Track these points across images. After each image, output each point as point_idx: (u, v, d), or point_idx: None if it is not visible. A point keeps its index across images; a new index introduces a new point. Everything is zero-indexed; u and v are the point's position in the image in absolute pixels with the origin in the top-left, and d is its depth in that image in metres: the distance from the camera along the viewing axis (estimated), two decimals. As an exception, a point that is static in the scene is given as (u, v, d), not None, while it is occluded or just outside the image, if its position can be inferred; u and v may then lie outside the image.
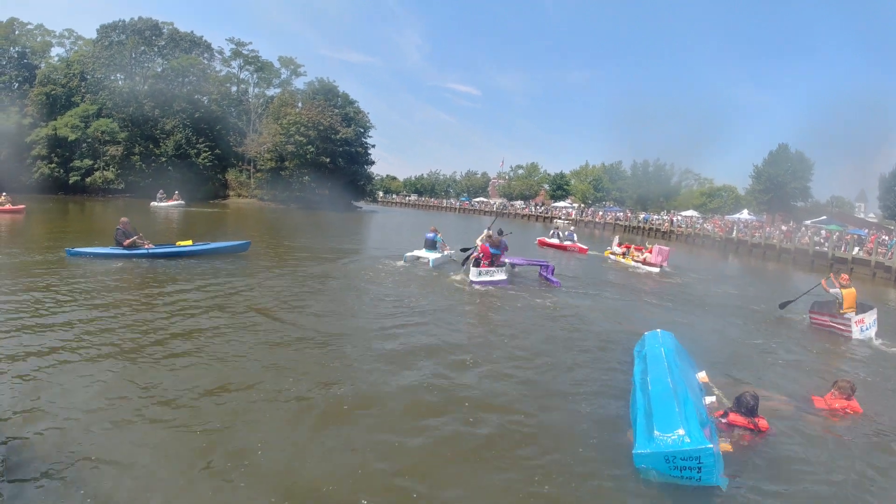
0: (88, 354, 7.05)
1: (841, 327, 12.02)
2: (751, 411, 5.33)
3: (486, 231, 15.50)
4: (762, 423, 5.41)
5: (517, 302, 12.90)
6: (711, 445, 4.49)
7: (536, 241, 28.99)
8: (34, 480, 4.29)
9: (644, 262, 21.60)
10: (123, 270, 12.93)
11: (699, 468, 4.50)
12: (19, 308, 9.05)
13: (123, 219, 14.90)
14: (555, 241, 27.92)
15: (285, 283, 12.56)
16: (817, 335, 12.13)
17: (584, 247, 27.00)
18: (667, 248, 22.22)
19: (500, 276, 14.54)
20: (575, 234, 29.35)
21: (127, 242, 14.26)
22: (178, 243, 15.18)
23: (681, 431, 4.66)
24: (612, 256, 24.13)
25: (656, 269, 20.77)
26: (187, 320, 9.01)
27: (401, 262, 16.93)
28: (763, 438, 5.41)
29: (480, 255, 14.61)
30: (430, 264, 16.66)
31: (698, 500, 4.57)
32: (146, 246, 14.55)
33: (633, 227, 59.78)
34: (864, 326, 11.82)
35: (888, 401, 7.70)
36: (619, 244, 25.43)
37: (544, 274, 16.02)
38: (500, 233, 16.18)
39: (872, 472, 5.33)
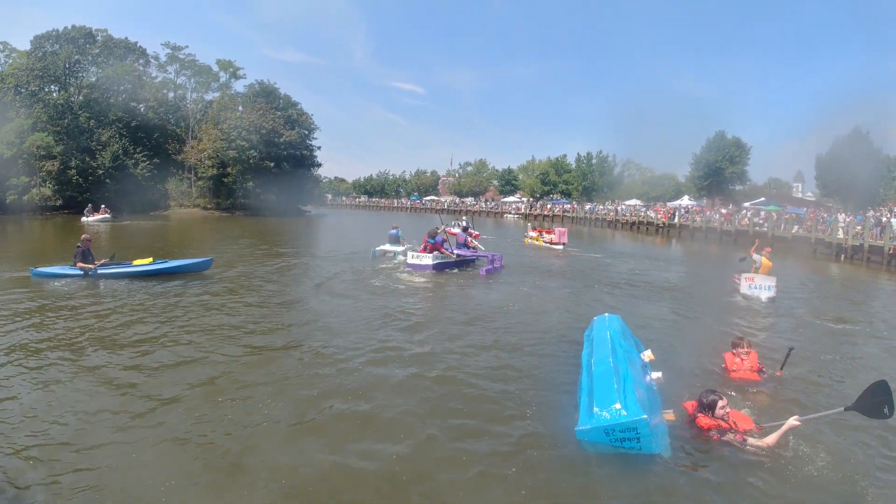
0: (68, 371, 6.96)
1: (736, 282, 14.02)
2: (701, 408, 5.36)
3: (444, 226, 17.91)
4: (699, 420, 5.32)
5: (475, 293, 13.60)
6: (646, 416, 4.68)
7: (447, 231, 32.26)
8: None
9: (551, 243, 26.60)
10: (86, 290, 12.40)
11: (637, 438, 4.69)
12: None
13: (84, 236, 14.36)
14: (456, 230, 31.66)
15: (254, 298, 12.18)
16: (731, 300, 13.65)
17: (477, 233, 31.02)
18: (564, 229, 28.11)
19: (426, 261, 16.31)
20: (471, 223, 34.35)
21: (80, 265, 13.59)
22: (134, 262, 14.30)
23: (617, 406, 4.86)
24: (530, 241, 28.81)
25: (560, 247, 25.86)
26: (155, 337, 8.78)
27: (358, 264, 17.76)
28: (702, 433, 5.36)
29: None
30: (396, 256, 19.01)
31: (642, 467, 4.72)
32: (102, 262, 13.98)
33: (580, 219, 61.08)
34: (752, 285, 13.59)
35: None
36: (533, 229, 30.92)
37: (488, 265, 17.14)
38: (466, 228, 19.77)
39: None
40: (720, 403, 5.27)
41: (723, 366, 7.29)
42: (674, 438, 5.17)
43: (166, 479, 4.46)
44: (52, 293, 12.01)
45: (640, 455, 4.77)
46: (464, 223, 33.13)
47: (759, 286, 13.55)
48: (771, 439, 5.04)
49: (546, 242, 27.06)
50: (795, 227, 32.58)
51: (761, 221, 36.67)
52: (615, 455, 4.80)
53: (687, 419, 5.52)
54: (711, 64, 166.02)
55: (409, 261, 16.67)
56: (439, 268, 16.39)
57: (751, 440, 5.06)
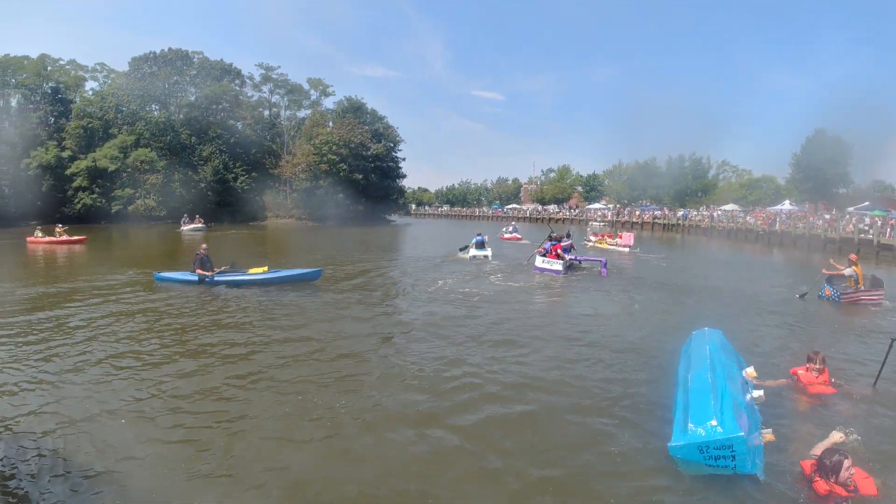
0: (161, 367, 7.84)
1: (874, 298, 13.72)
2: (822, 470, 4.64)
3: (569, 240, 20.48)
4: (817, 486, 4.58)
5: (572, 300, 14.47)
6: (743, 434, 4.55)
7: (499, 236, 38.10)
8: (57, 477, 4.86)
9: (618, 245, 30.11)
10: (200, 295, 13.54)
11: (733, 456, 4.59)
12: (109, 322, 10.45)
13: (203, 245, 15.49)
14: (506, 234, 39.27)
15: (360, 309, 12.55)
16: (848, 311, 13.22)
17: (520, 236, 37.81)
18: (631, 234, 32.87)
19: (556, 266, 18.16)
20: (518, 228, 43.22)
21: (198, 271, 14.72)
22: (249, 270, 15.16)
23: (713, 422, 4.75)
24: (591, 244, 31.77)
25: (627, 249, 29.20)
26: (250, 341, 9.52)
27: (455, 267, 19.91)
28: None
29: (547, 250, 19.06)
30: (487, 259, 21.97)
31: (735, 488, 4.63)
32: (221, 269, 15.03)
33: (672, 225, 58.72)
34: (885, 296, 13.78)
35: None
36: (593, 234, 36.42)
37: (600, 267, 19.06)
38: (568, 235, 21.03)
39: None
40: (845, 464, 4.52)
41: (797, 383, 6.98)
42: (772, 463, 5.00)
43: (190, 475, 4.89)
44: (169, 295, 13.34)
45: (735, 476, 4.69)
46: (511, 228, 41.54)
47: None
48: None
49: (611, 245, 30.53)
50: (902, 234, 30.00)
51: (866, 228, 33.84)
52: (708, 474, 4.74)
53: (801, 478, 4.88)
54: (806, 54, 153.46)
55: (538, 264, 18.52)
56: (566, 271, 18.24)
57: None
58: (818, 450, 4.97)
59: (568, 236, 21.01)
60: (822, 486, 4.54)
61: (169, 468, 4.99)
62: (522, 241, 35.06)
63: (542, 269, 18.14)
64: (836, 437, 5.11)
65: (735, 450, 4.57)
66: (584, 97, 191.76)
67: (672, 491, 4.69)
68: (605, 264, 19.12)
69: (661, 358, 8.53)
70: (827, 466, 4.55)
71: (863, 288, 13.89)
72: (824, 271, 14.78)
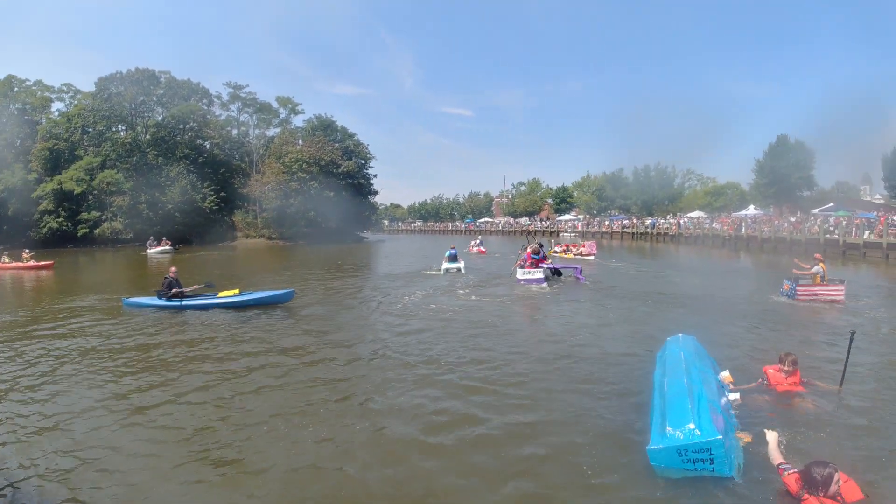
0: (131, 387, 7.67)
1: (832, 294, 14.09)
2: (811, 485, 4.34)
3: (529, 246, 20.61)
4: (808, 502, 4.28)
5: (546, 310, 14.48)
6: (721, 437, 4.57)
7: (466, 249, 38.57)
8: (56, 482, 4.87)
9: (582, 255, 30.45)
10: (170, 320, 13.16)
11: (711, 459, 4.59)
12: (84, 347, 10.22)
13: (173, 268, 15.14)
14: (473, 248, 40.13)
15: (332, 327, 12.44)
16: (816, 311, 13.46)
17: (484, 250, 38.98)
18: (594, 242, 34.26)
19: (538, 275, 18.62)
20: (484, 242, 44.58)
21: (167, 296, 14.35)
22: (220, 293, 14.74)
23: (691, 426, 4.76)
24: (556, 253, 31.99)
25: (592, 257, 29.68)
26: (218, 359, 9.31)
27: (432, 282, 19.95)
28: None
29: (524, 260, 19.44)
30: (462, 271, 22.42)
31: (714, 491, 4.60)
32: (193, 288, 14.72)
33: (641, 234, 59.63)
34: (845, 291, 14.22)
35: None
36: (558, 244, 36.54)
37: (576, 274, 19.70)
38: (541, 245, 21.30)
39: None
40: (836, 478, 4.28)
41: (769, 384, 7.03)
42: (749, 465, 5.00)
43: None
44: (138, 320, 12.99)
45: (713, 479, 4.67)
46: (477, 242, 42.91)
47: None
48: None
49: (575, 255, 31.21)
50: (866, 233, 31.08)
51: (832, 228, 34.97)
52: (687, 477, 4.73)
53: (784, 493, 4.62)
54: (766, 63, 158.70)
55: (520, 276, 18.94)
56: (546, 280, 18.64)
57: None
58: (775, 458, 4.88)
59: (541, 247, 21.24)
60: (813, 502, 4.28)
61: (143, 485, 4.86)
62: (487, 254, 36.31)
63: (525, 280, 18.56)
64: (772, 437, 5.09)
65: (713, 453, 4.58)
66: (553, 111, 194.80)
67: (650, 494, 4.66)
68: (581, 271, 19.87)
69: (637, 364, 8.55)
70: (817, 481, 4.30)
71: (832, 284, 14.31)
72: (795, 271, 15.21)
